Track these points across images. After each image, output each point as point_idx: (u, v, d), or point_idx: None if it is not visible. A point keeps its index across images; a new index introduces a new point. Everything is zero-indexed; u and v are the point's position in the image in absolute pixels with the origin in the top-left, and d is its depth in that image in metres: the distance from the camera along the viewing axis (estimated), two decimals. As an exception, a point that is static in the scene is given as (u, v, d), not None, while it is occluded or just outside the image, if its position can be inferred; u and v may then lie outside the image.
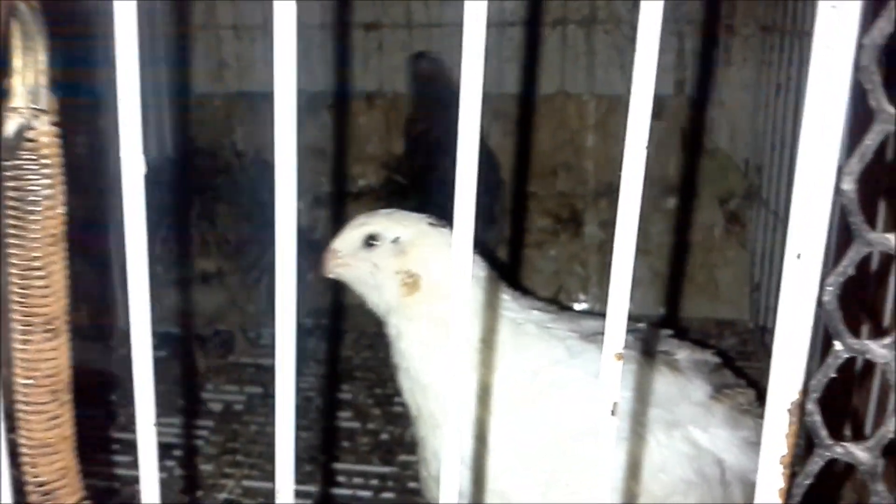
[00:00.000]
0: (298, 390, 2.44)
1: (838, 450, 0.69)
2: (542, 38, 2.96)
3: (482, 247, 1.40)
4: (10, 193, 0.67)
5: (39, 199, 0.67)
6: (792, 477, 0.65)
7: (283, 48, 0.63)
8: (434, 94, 2.80)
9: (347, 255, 1.40)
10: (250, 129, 2.99)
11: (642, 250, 2.96)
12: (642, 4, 0.61)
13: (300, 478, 2.08)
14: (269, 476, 2.09)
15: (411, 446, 2.18)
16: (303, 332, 2.77)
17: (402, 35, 3.01)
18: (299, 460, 2.17)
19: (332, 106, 3.06)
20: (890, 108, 0.63)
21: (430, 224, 1.38)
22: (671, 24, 2.90)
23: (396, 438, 2.21)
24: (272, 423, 2.47)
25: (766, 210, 2.72)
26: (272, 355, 2.64)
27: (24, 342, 0.69)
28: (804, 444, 0.69)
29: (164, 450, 2.08)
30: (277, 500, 0.73)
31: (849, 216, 0.65)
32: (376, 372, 2.53)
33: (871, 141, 0.64)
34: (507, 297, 1.39)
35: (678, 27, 2.90)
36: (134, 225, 0.65)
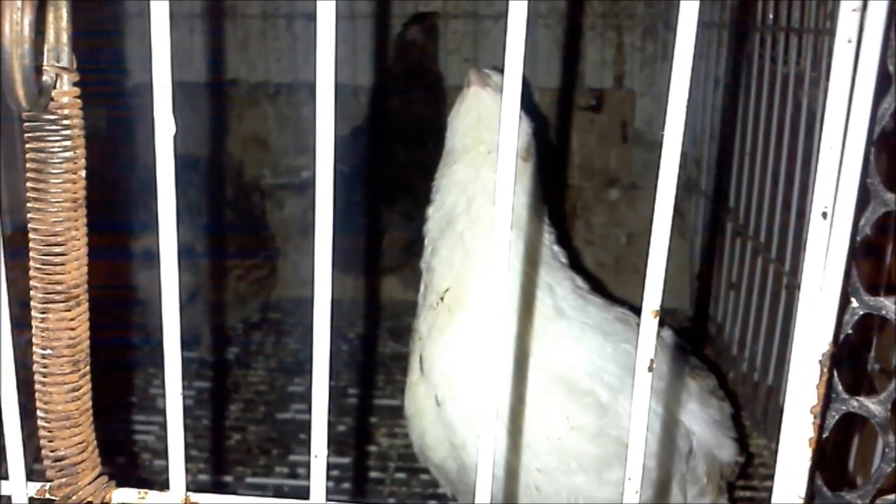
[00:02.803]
0: (248, 384, 2.38)
1: (853, 403, 0.72)
2: (482, 31, 2.98)
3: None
4: (31, 156, 0.64)
5: (60, 161, 0.65)
6: (820, 429, 0.67)
7: (324, 43, 0.63)
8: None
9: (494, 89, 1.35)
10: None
11: (586, 241, 3.01)
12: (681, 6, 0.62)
13: (256, 470, 2.07)
14: (224, 470, 2.07)
15: (367, 437, 2.17)
16: (249, 326, 2.76)
17: (345, 27, 2.99)
18: (254, 453, 2.15)
19: (273, 96, 3.02)
20: (905, 74, 0.66)
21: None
22: (611, 19, 2.97)
23: (351, 430, 2.20)
24: (222, 418, 2.41)
25: (704, 201, 2.80)
26: (215, 350, 2.57)
27: (44, 311, 0.66)
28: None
29: (115, 447, 2.02)
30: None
31: (867, 177, 0.68)
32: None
33: (888, 104, 0.67)
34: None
35: (617, 21, 2.96)
36: (165, 195, 0.64)
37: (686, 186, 2.96)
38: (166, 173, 0.64)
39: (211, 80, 2.95)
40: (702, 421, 1.45)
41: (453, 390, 1.34)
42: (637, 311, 1.69)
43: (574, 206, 2.99)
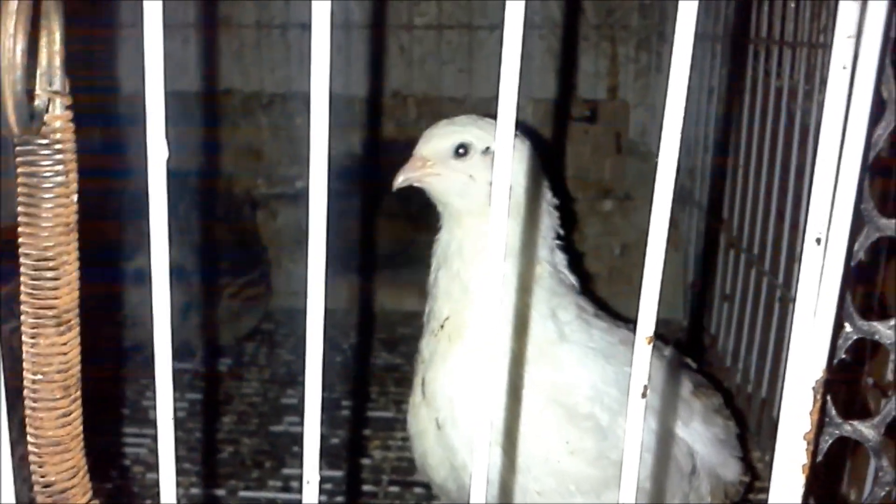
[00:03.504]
0: (241, 396, 2.37)
1: (847, 427, 0.72)
2: (476, 41, 2.98)
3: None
4: (23, 180, 0.64)
5: (52, 185, 0.64)
6: (813, 455, 0.67)
7: (319, 53, 0.62)
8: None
9: (438, 164, 1.34)
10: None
11: (579, 252, 3.01)
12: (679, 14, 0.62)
13: (249, 484, 2.06)
14: (216, 483, 2.06)
15: (360, 450, 2.16)
16: (242, 337, 2.75)
17: (339, 36, 3.00)
18: (247, 466, 2.14)
19: (267, 106, 3.02)
20: (899, 100, 0.67)
21: (517, 136, 1.36)
22: (605, 30, 2.97)
23: (345, 442, 2.19)
24: (215, 430, 2.39)
25: (698, 212, 2.81)
26: (207, 362, 2.55)
27: (35, 336, 0.66)
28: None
29: (108, 459, 2.01)
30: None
31: (861, 203, 0.68)
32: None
33: (882, 130, 0.67)
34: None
35: (612, 33, 2.97)
36: (157, 216, 0.63)
37: (680, 197, 2.96)
38: (158, 194, 0.63)
39: (205, 89, 2.94)
40: (706, 440, 1.46)
41: (453, 415, 1.35)
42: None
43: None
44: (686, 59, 0.62)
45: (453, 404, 1.36)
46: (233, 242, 2.64)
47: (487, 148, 1.32)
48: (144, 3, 0.60)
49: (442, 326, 1.38)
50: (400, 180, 1.36)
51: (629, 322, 1.57)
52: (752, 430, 2.17)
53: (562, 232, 1.44)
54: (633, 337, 1.41)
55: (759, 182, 2.25)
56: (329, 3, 0.62)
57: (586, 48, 2.98)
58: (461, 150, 1.33)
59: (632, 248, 2.97)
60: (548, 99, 2.97)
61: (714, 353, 2.59)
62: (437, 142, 1.35)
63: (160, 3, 0.60)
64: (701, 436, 1.46)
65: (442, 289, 1.39)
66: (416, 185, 1.38)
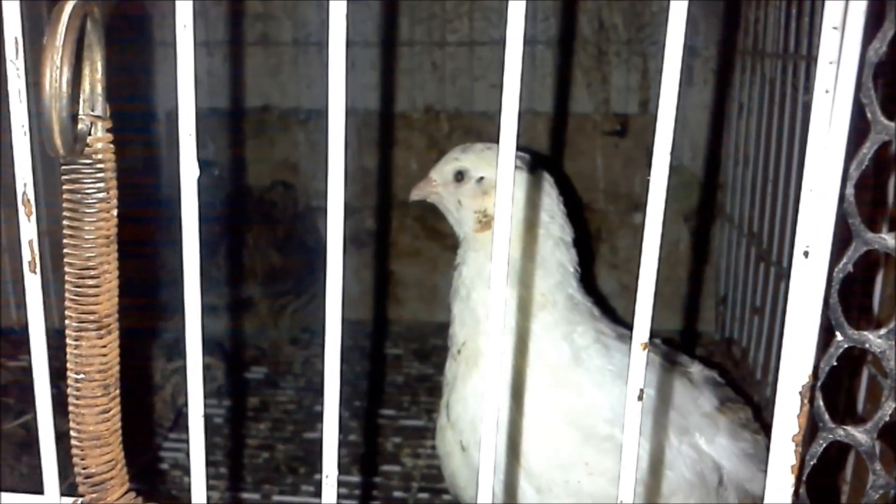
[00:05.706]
0: (277, 403, 2.43)
1: (840, 432, 0.75)
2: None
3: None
4: (67, 196, 0.70)
5: (94, 201, 0.70)
6: (802, 457, 0.70)
7: (336, 66, 0.68)
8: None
9: (440, 185, 1.51)
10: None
11: (610, 264, 3.04)
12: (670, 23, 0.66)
13: (283, 488, 2.11)
14: (253, 488, 2.11)
15: (393, 457, 2.21)
16: (279, 346, 2.82)
17: (372, 54, 3.07)
18: (281, 472, 2.19)
19: (304, 122, 3.10)
20: (884, 120, 0.70)
21: (516, 167, 1.43)
22: (636, 45, 3.01)
23: (377, 450, 2.24)
24: (252, 436, 2.45)
25: (729, 226, 2.82)
26: (242, 370, 2.61)
27: (77, 339, 0.72)
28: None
29: (148, 464, 2.08)
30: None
31: (848, 217, 0.71)
32: (352, 385, 2.56)
33: (867, 149, 0.71)
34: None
35: (642, 48, 3.00)
36: (189, 232, 0.69)
37: (711, 211, 2.98)
38: (190, 214, 0.69)
39: (244, 106, 3.03)
40: (732, 455, 1.48)
41: (476, 437, 1.40)
42: (669, 343, 1.72)
43: (599, 229, 3.02)
44: (677, 61, 0.66)
45: (475, 427, 1.41)
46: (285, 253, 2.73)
47: (482, 178, 1.45)
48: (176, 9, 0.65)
49: (459, 351, 1.46)
50: (412, 195, 1.55)
51: (652, 339, 1.60)
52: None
53: (578, 269, 1.49)
54: (656, 359, 1.45)
55: (787, 196, 2.27)
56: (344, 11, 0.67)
57: (617, 63, 3.02)
58: (459, 176, 1.48)
59: (661, 261, 2.97)
60: (579, 113, 3.01)
61: (745, 366, 2.60)
62: (442, 165, 1.51)
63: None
64: (727, 451, 1.48)
65: (456, 314, 1.48)
66: (427, 200, 1.54)
